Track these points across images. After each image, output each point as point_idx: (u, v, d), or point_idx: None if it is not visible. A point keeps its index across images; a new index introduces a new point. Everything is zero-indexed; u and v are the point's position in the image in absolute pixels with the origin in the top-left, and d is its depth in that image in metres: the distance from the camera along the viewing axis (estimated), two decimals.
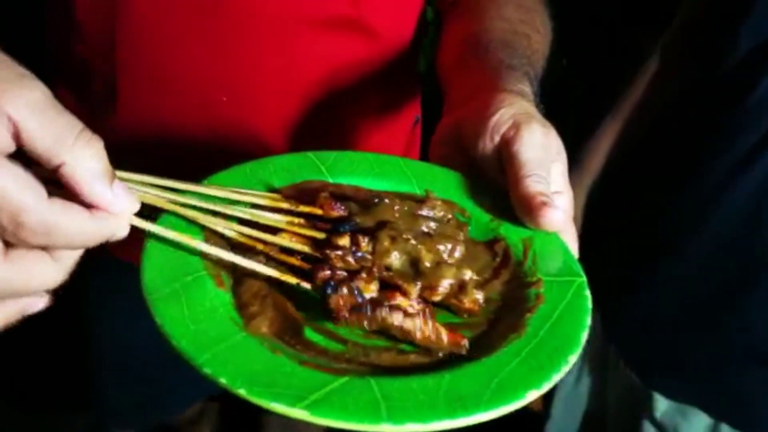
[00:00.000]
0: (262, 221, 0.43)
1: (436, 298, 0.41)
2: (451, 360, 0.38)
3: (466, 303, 0.41)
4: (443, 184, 0.51)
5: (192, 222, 0.42)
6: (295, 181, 0.49)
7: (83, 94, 0.77)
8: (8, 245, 0.34)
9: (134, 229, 0.39)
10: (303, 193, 0.47)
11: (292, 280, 0.40)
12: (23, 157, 0.34)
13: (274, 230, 0.43)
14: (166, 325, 0.35)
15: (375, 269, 0.40)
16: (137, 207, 0.37)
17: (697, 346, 0.88)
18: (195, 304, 0.37)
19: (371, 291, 0.40)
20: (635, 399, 0.94)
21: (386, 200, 0.45)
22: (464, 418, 0.32)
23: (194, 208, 0.42)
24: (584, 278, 0.43)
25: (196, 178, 0.46)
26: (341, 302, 0.38)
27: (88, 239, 0.35)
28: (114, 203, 0.35)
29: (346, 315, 0.38)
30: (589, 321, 0.40)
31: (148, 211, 0.42)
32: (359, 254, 0.41)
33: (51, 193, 0.34)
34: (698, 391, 0.89)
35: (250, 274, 0.40)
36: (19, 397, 1.48)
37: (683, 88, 0.89)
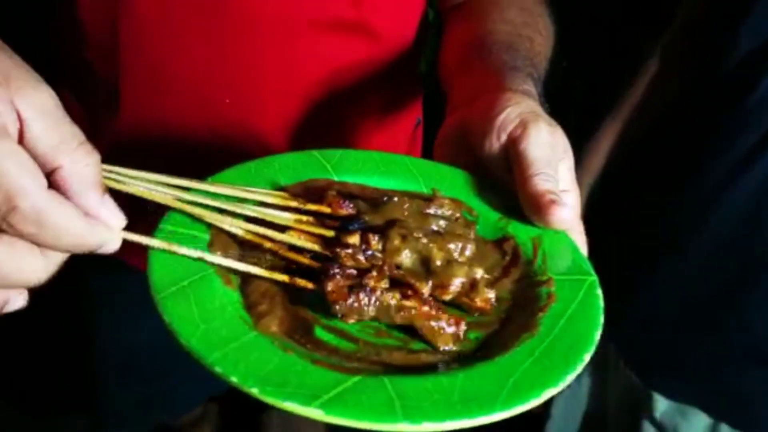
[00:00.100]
0: (269, 219, 0.43)
1: (447, 297, 0.41)
2: (464, 359, 0.37)
3: (478, 302, 0.40)
4: (450, 182, 0.51)
5: (198, 220, 0.41)
6: (300, 180, 0.48)
7: (86, 97, 0.76)
8: None
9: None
10: (309, 191, 0.47)
11: (301, 283, 0.40)
12: None
13: (281, 228, 0.42)
14: (175, 323, 0.34)
15: (386, 267, 0.39)
16: (124, 223, 0.37)
17: (697, 346, 0.88)
18: (203, 303, 0.36)
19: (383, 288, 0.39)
20: (635, 399, 0.94)
21: (395, 198, 0.45)
22: (481, 417, 0.32)
23: (201, 205, 0.42)
24: (595, 277, 0.43)
25: (199, 178, 0.45)
26: (339, 285, 0.38)
27: (77, 241, 0.35)
28: (103, 214, 0.36)
29: (345, 301, 0.38)
30: (602, 319, 0.40)
31: (154, 208, 0.41)
32: (369, 252, 0.40)
33: None
34: (698, 391, 0.89)
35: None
36: (20, 397, 1.47)
37: (683, 88, 0.90)
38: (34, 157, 0.34)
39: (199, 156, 0.73)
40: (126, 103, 0.73)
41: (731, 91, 0.82)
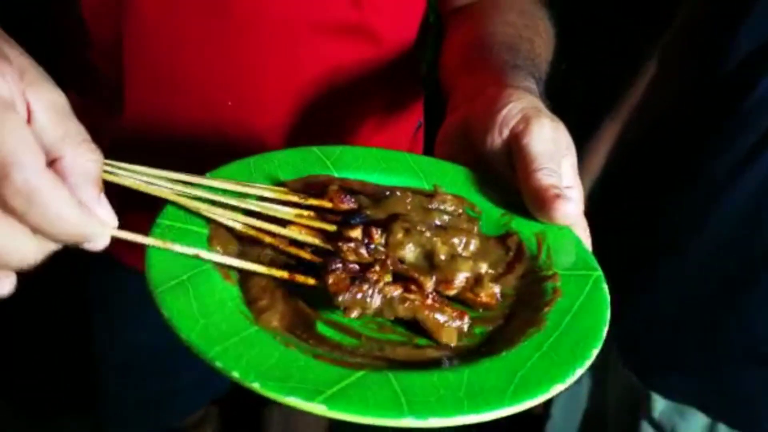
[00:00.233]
0: (270, 214, 0.42)
1: (452, 292, 0.40)
2: (469, 354, 0.37)
3: (483, 297, 0.40)
4: (452, 179, 0.50)
5: (196, 214, 0.41)
6: (300, 175, 0.47)
7: (88, 96, 0.76)
8: None
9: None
10: (309, 187, 0.46)
11: (301, 279, 0.39)
12: None
13: (282, 223, 0.42)
14: (174, 318, 0.34)
15: (389, 262, 0.39)
16: (116, 224, 0.36)
17: (697, 346, 0.88)
18: (203, 298, 0.35)
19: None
20: (635, 399, 0.94)
21: (398, 192, 0.44)
22: (489, 413, 0.31)
23: (200, 199, 0.41)
24: (600, 272, 0.43)
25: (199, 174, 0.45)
26: (341, 278, 0.37)
27: (66, 227, 0.34)
28: (98, 210, 0.35)
29: (347, 293, 0.37)
30: (608, 314, 0.39)
31: (153, 201, 0.41)
32: (372, 246, 0.40)
33: None
34: (697, 391, 0.89)
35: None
36: (21, 399, 1.47)
37: (683, 89, 0.90)
38: None
39: (201, 156, 0.73)
40: (129, 103, 0.73)
41: (731, 91, 0.83)
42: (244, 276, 0.39)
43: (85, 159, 0.35)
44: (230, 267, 0.39)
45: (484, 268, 0.41)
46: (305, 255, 0.40)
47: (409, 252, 0.40)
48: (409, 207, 0.44)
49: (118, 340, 0.95)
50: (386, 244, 0.40)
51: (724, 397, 0.88)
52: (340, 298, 0.37)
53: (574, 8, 1.06)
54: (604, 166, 0.99)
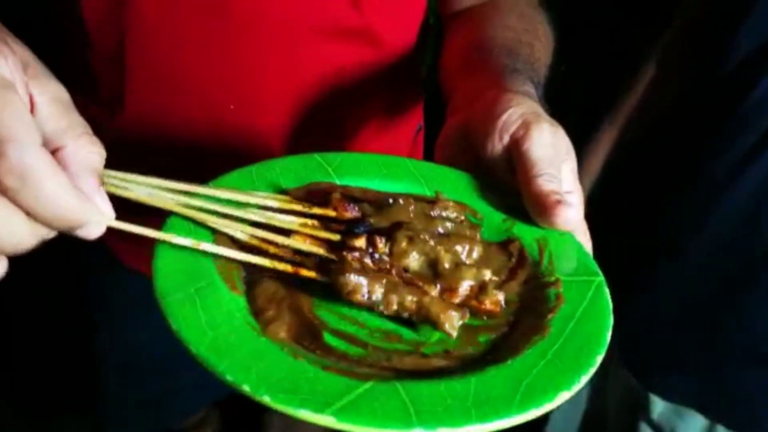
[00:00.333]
0: (274, 223, 0.42)
1: (456, 300, 0.40)
2: (475, 362, 0.37)
3: (488, 304, 0.40)
4: (453, 185, 0.50)
5: (201, 225, 0.41)
6: (302, 183, 0.48)
7: (88, 98, 0.76)
8: None
9: (138, 236, 0.38)
10: (312, 195, 0.46)
11: (309, 274, 0.39)
12: None
13: (286, 232, 0.42)
14: (183, 331, 0.34)
15: (394, 271, 0.39)
16: (113, 215, 0.36)
17: (697, 346, 0.88)
18: (210, 310, 0.36)
19: None
20: (635, 400, 0.94)
21: (401, 200, 0.44)
22: (496, 422, 0.32)
23: (203, 210, 0.41)
24: (602, 277, 0.43)
25: (201, 181, 0.45)
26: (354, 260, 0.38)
27: (60, 211, 0.33)
28: (97, 200, 0.35)
29: (353, 274, 0.37)
30: (611, 321, 0.39)
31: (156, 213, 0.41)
32: (377, 256, 0.40)
33: None
34: (697, 392, 0.90)
35: (263, 278, 0.39)
36: (21, 399, 1.47)
37: (683, 89, 0.90)
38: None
39: (202, 158, 0.73)
40: (129, 104, 0.73)
41: (731, 92, 0.83)
42: (251, 286, 0.39)
43: (87, 150, 0.35)
44: (236, 274, 0.39)
45: (487, 275, 0.41)
46: (310, 264, 0.40)
47: (414, 261, 0.41)
48: (412, 215, 0.44)
49: (118, 340, 0.95)
50: (390, 253, 0.40)
51: (723, 398, 0.88)
52: (348, 276, 0.37)
53: (574, 9, 1.06)
54: (605, 166, 1.00)
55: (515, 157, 0.48)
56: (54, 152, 0.34)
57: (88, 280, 0.94)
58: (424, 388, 0.33)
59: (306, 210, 0.44)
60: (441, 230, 0.44)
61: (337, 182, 0.49)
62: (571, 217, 0.45)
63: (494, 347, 0.38)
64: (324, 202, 0.44)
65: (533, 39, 0.69)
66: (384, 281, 0.38)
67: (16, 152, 0.31)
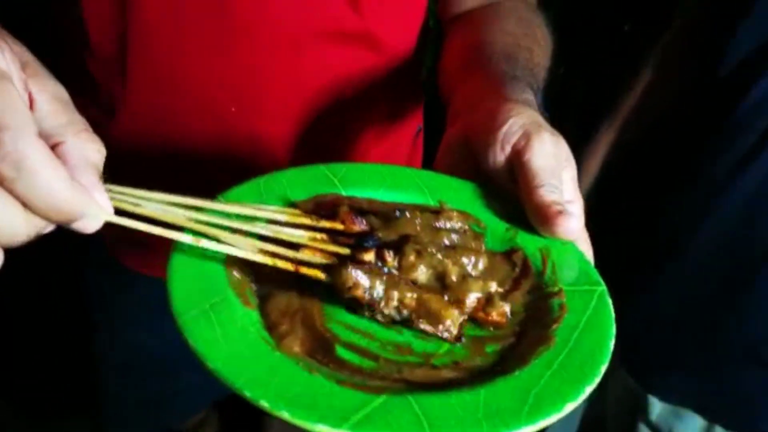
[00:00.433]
0: (282, 237, 0.43)
1: (464, 312, 0.41)
2: (483, 374, 0.38)
3: (494, 316, 0.41)
4: (456, 194, 0.51)
5: (214, 239, 0.42)
6: (309, 194, 0.49)
7: (86, 103, 0.76)
8: None
9: (139, 239, 0.38)
10: (320, 207, 0.47)
11: (310, 272, 0.40)
12: None
13: (296, 246, 0.43)
14: (200, 347, 0.35)
15: (402, 284, 0.40)
16: (111, 211, 0.36)
17: (696, 347, 0.88)
18: (226, 325, 0.36)
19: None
20: (635, 400, 0.95)
21: (407, 213, 0.45)
22: None
23: (214, 225, 0.42)
24: (604, 287, 0.44)
25: (203, 187, 0.45)
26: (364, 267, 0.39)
27: (56, 201, 0.32)
28: (95, 194, 0.35)
29: (355, 269, 0.38)
30: (614, 330, 0.41)
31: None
32: (386, 269, 0.41)
33: None
34: (696, 392, 0.90)
35: (274, 291, 0.40)
36: (21, 399, 1.47)
37: (683, 89, 0.90)
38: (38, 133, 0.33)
39: (202, 161, 0.74)
40: (130, 107, 0.74)
41: (730, 92, 0.83)
42: (263, 301, 0.40)
43: (87, 146, 0.34)
44: (248, 289, 0.40)
45: (493, 287, 0.42)
46: (321, 276, 0.41)
47: (422, 274, 0.42)
48: (418, 228, 0.45)
49: (118, 341, 0.95)
50: (399, 267, 0.41)
51: (722, 398, 0.88)
52: (349, 272, 0.38)
53: (574, 9, 1.06)
54: (605, 166, 1.00)
55: (517, 167, 0.49)
56: (53, 148, 0.33)
57: (89, 281, 0.95)
58: (436, 401, 0.34)
59: (315, 223, 0.44)
60: (447, 242, 0.45)
61: (343, 193, 0.50)
62: (573, 227, 0.46)
63: (502, 358, 0.39)
64: (332, 215, 0.45)
65: (532, 43, 0.70)
66: (384, 278, 0.39)
67: (11, 140, 0.31)
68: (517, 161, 0.49)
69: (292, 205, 0.47)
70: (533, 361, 0.38)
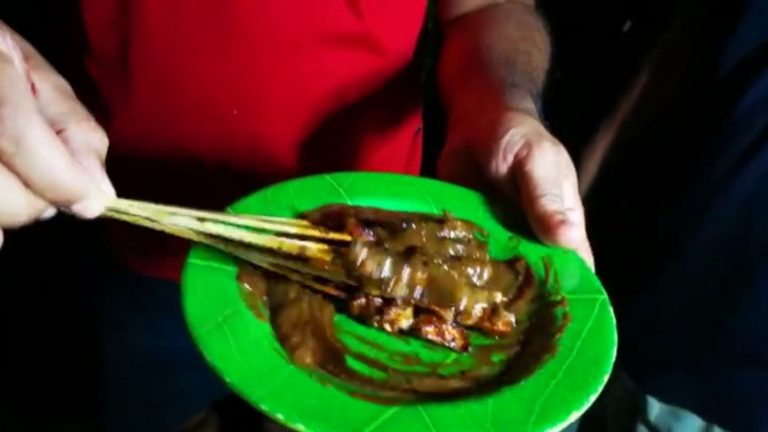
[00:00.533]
0: (292, 251, 0.44)
1: (469, 322, 0.42)
2: (491, 383, 0.39)
3: (500, 326, 0.42)
4: (460, 202, 0.52)
5: (223, 253, 0.42)
6: (316, 205, 0.49)
7: (87, 103, 0.77)
8: None
9: (140, 241, 0.38)
10: (327, 217, 0.48)
11: (332, 292, 0.41)
12: None
13: (305, 258, 0.43)
14: (216, 361, 0.35)
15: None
16: (113, 194, 0.36)
17: (696, 347, 0.89)
18: (239, 338, 0.37)
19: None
20: (634, 400, 0.95)
21: (413, 225, 0.46)
22: None
23: (224, 239, 0.43)
24: (606, 295, 0.45)
25: (204, 189, 0.45)
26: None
27: (56, 180, 0.32)
28: (97, 177, 0.35)
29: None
30: (616, 338, 0.42)
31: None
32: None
33: None
34: (696, 393, 0.90)
35: (285, 303, 0.41)
36: (21, 399, 1.48)
37: (683, 89, 0.90)
38: None
39: (204, 163, 0.75)
40: (131, 109, 0.74)
41: (730, 91, 0.83)
42: (274, 312, 0.41)
43: (90, 135, 0.34)
44: (260, 301, 0.41)
45: (499, 297, 0.43)
46: (330, 290, 0.42)
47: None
48: (424, 239, 0.46)
49: (119, 341, 0.96)
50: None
51: (722, 399, 0.88)
52: (358, 247, 0.39)
53: (573, 9, 1.06)
54: (604, 166, 1.00)
55: (519, 177, 0.50)
56: (56, 134, 0.33)
57: (90, 281, 0.95)
58: (445, 411, 0.35)
59: (324, 235, 0.45)
60: (452, 252, 0.46)
61: (349, 203, 0.51)
62: (574, 236, 0.47)
63: (507, 367, 0.40)
64: (339, 226, 0.46)
65: (530, 47, 0.70)
66: (395, 255, 0.40)
67: (10, 115, 0.31)
68: (519, 171, 0.50)
69: (300, 215, 0.48)
70: (538, 370, 0.39)
